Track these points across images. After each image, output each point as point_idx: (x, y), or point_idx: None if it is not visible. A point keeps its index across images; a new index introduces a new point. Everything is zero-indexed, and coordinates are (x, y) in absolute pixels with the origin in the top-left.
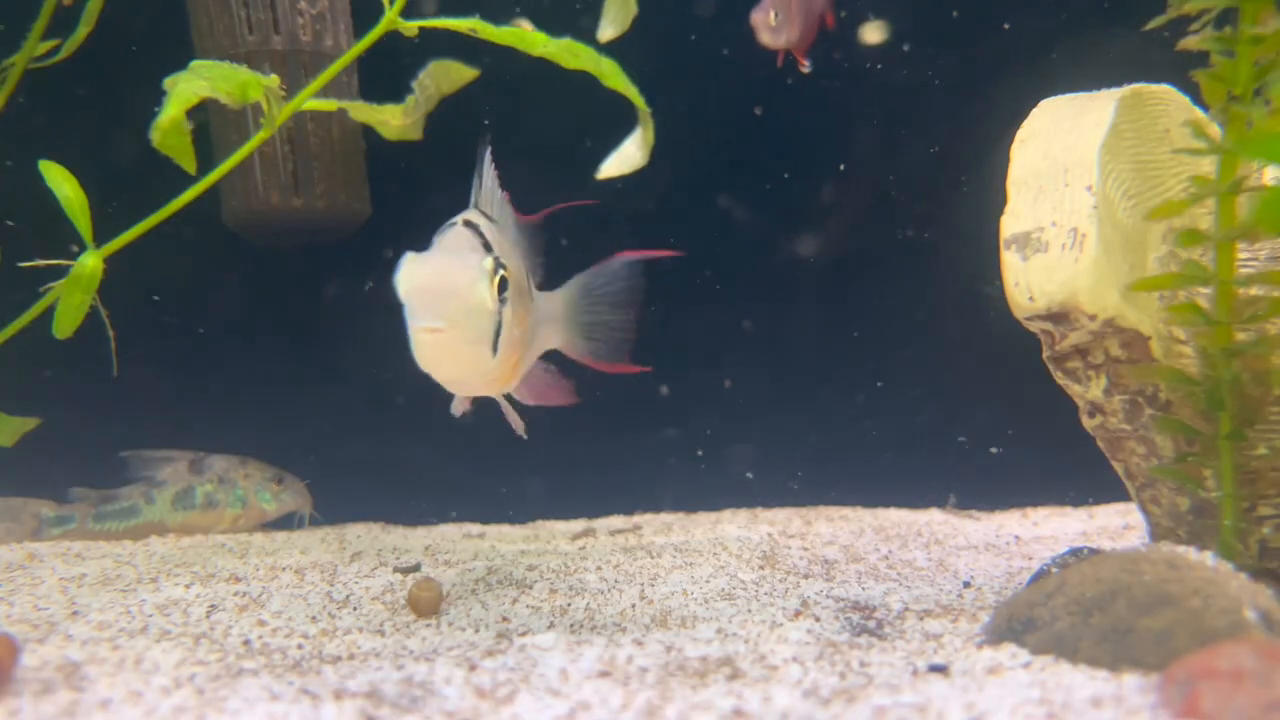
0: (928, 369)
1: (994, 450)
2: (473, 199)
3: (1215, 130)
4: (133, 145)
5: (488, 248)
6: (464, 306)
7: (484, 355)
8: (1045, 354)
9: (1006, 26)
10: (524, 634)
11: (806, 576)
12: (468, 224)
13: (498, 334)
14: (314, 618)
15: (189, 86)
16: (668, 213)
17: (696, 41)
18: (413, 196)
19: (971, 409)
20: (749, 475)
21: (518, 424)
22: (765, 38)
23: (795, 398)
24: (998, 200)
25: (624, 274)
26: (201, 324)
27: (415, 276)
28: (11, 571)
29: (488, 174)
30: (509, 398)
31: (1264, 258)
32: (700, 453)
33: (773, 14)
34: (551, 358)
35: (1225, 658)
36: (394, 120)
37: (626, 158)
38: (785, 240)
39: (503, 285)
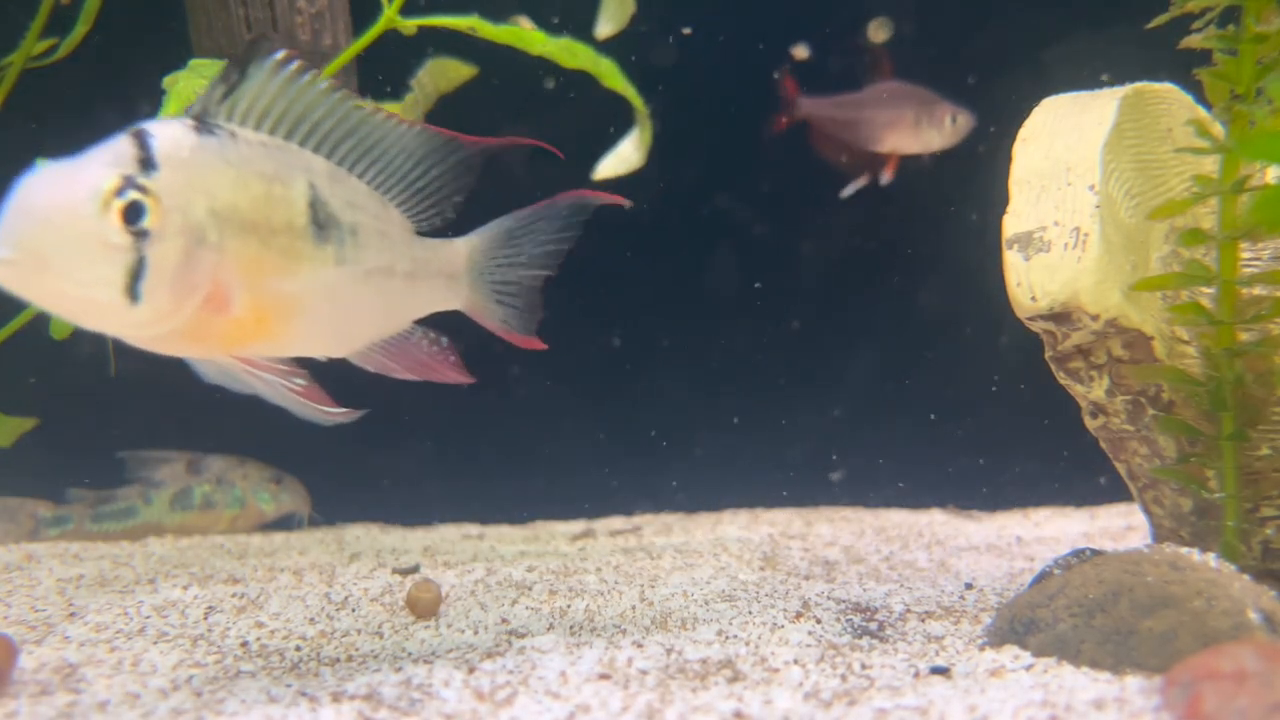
0: (929, 369)
1: (993, 450)
2: (200, 103)
3: (1218, 129)
4: None
5: (147, 164)
6: (48, 235)
7: (99, 301)
8: (1047, 354)
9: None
10: (523, 636)
11: (807, 578)
12: (138, 134)
13: (138, 276)
14: (312, 619)
15: (189, 85)
16: (668, 213)
17: (697, 41)
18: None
19: (973, 409)
20: (750, 476)
21: (316, 409)
22: (905, 139)
23: (796, 398)
24: (1000, 200)
25: (562, 221)
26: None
27: (16, 194)
28: (9, 572)
29: (264, 69)
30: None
31: (1267, 257)
32: (700, 453)
33: (949, 118)
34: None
35: (1228, 659)
36: None
37: (623, 158)
38: (786, 240)
39: (133, 212)
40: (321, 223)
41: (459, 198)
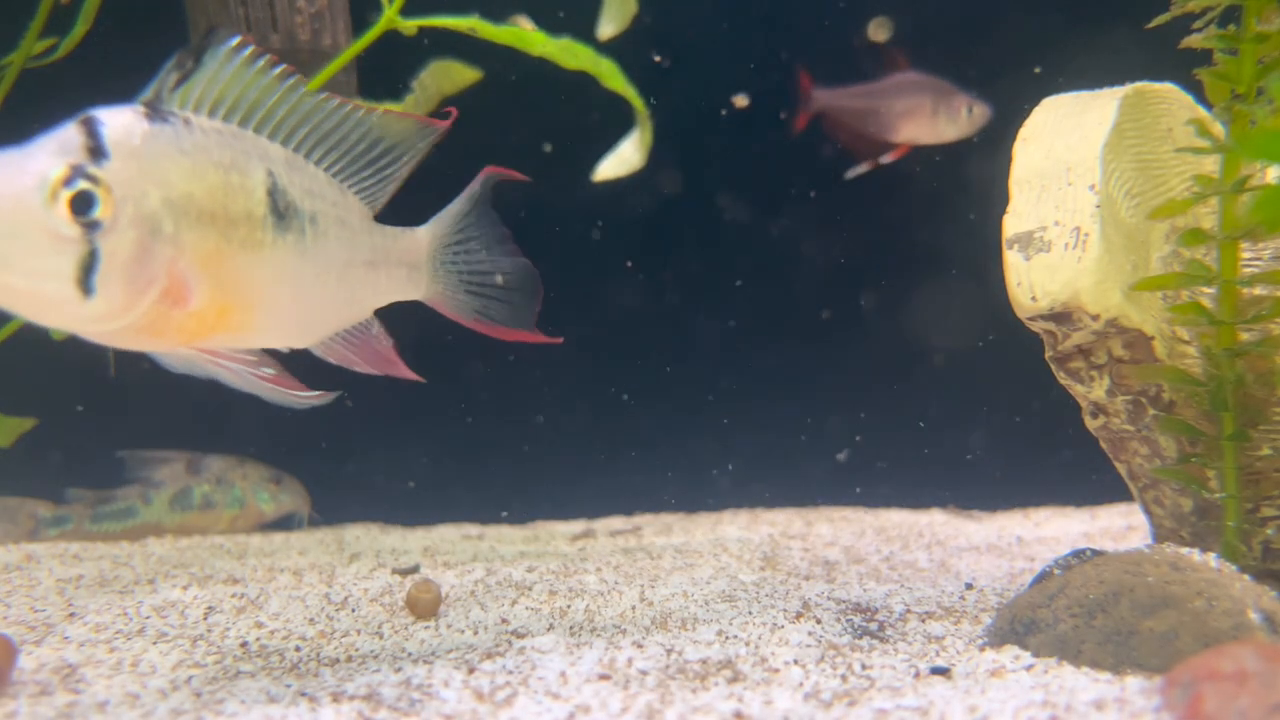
0: (929, 369)
1: (994, 450)
2: (152, 89)
3: (1219, 129)
4: None
5: (97, 153)
6: None
7: (50, 296)
8: (1048, 354)
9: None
10: (523, 636)
11: (807, 578)
12: (87, 121)
13: (91, 269)
14: (312, 620)
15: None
16: (670, 213)
17: (696, 43)
18: (412, 195)
19: (974, 409)
20: (750, 476)
21: (288, 393)
22: (922, 129)
23: (796, 398)
24: (1000, 199)
25: (486, 203)
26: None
27: None
28: (8, 573)
29: (218, 56)
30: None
31: (1268, 257)
32: (700, 453)
33: (965, 109)
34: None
35: (1229, 660)
36: None
37: (624, 159)
38: (786, 240)
39: (82, 202)
40: (281, 211)
41: (397, 185)
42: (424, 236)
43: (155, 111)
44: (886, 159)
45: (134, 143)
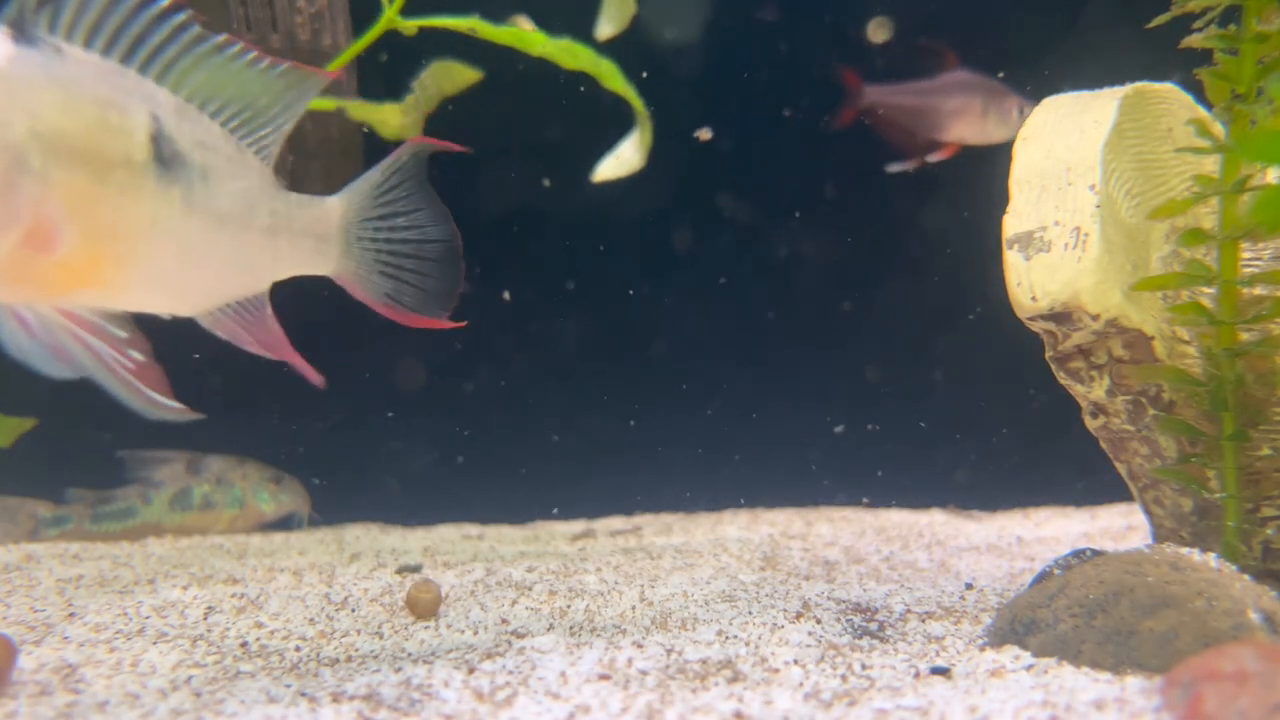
0: (930, 369)
1: (994, 451)
2: (14, 8)
3: (1219, 129)
4: None
5: None
6: None
7: None
8: (1048, 354)
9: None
10: (523, 636)
11: (808, 578)
12: None
13: None
14: (312, 620)
15: None
16: (667, 212)
17: (697, 43)
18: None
19: (974, 409)
20: (750, 476)
21: (147, 396)
22: (972, 129)
23: (797, 398)
24: (1000, 199)
25: (417, 177)
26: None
27: None
28: (8, 573)
29: None
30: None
31: (1268, 257)
32: (700, 453)
33: (1016, 110)
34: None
35: (1229, 660)
36: (392, 119)
37: (623, 160)
38: (787, 240)
39: None
40: (166, 160)
41: (280, 141)
42: (335, 207)
43: (21, 34)
44: (934, 158)
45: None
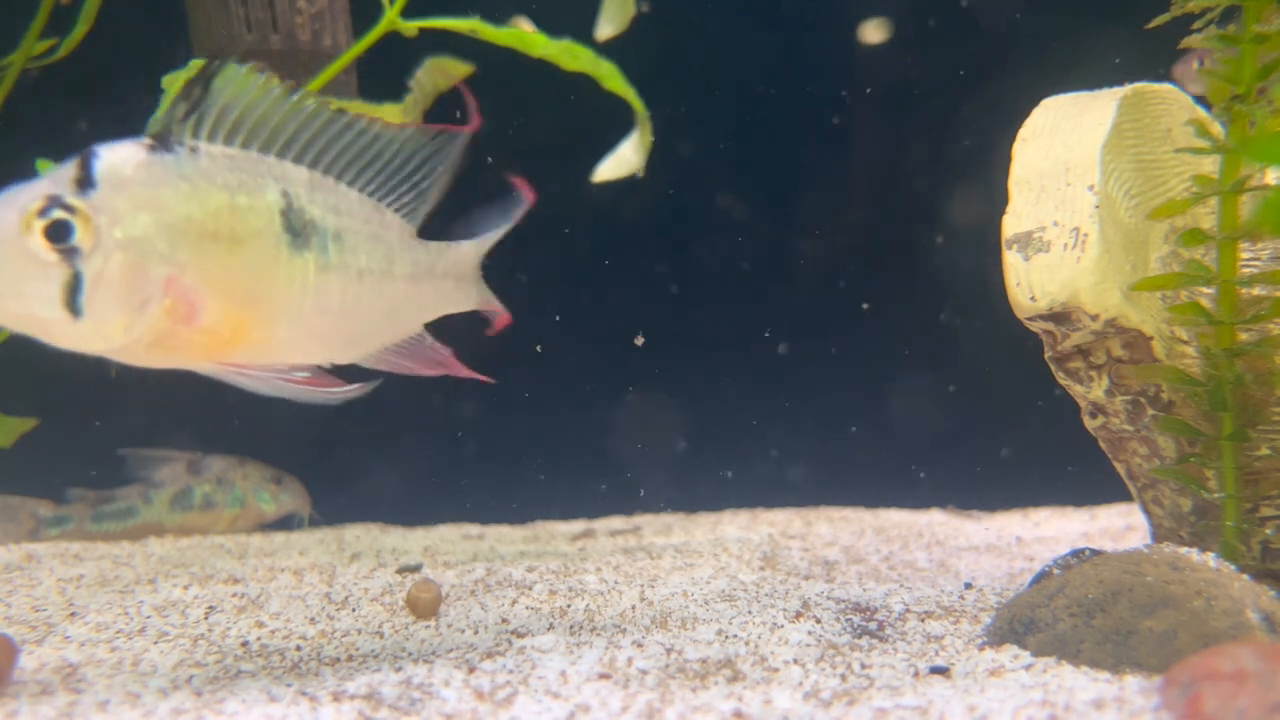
0: (930, 369)
1: (993, 451)
2: (162, 120)
3: (1218, 129)
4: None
5: (84, 184)
6: None
7: (41, 316)
8: (1047, 354)
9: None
10: (523, 635)
11: (807, 578)
12: (84, 155)
13: (76, 291)
14: (312, 619)
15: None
16: (667, 213)
17: (696, 43)
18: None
19: (973, 409)
20: (750, 476)
21: (323, 392)
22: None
23: (796, 398)
24: (1000, 200)
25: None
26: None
27: None
28: (9, 572)
29: (229, 84)
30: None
31: (1266, 257)
32: (700, 453)
33: (1196, 63)
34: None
35: (1228, 659)
36: (393, 119)
37: (622, 161)
38: (787, 241)
39: (58, 231)
40: (297, 230)
41: (435, 195)
42: (470, 249)
43: (161, 142)
44: None
45: (125, 172)
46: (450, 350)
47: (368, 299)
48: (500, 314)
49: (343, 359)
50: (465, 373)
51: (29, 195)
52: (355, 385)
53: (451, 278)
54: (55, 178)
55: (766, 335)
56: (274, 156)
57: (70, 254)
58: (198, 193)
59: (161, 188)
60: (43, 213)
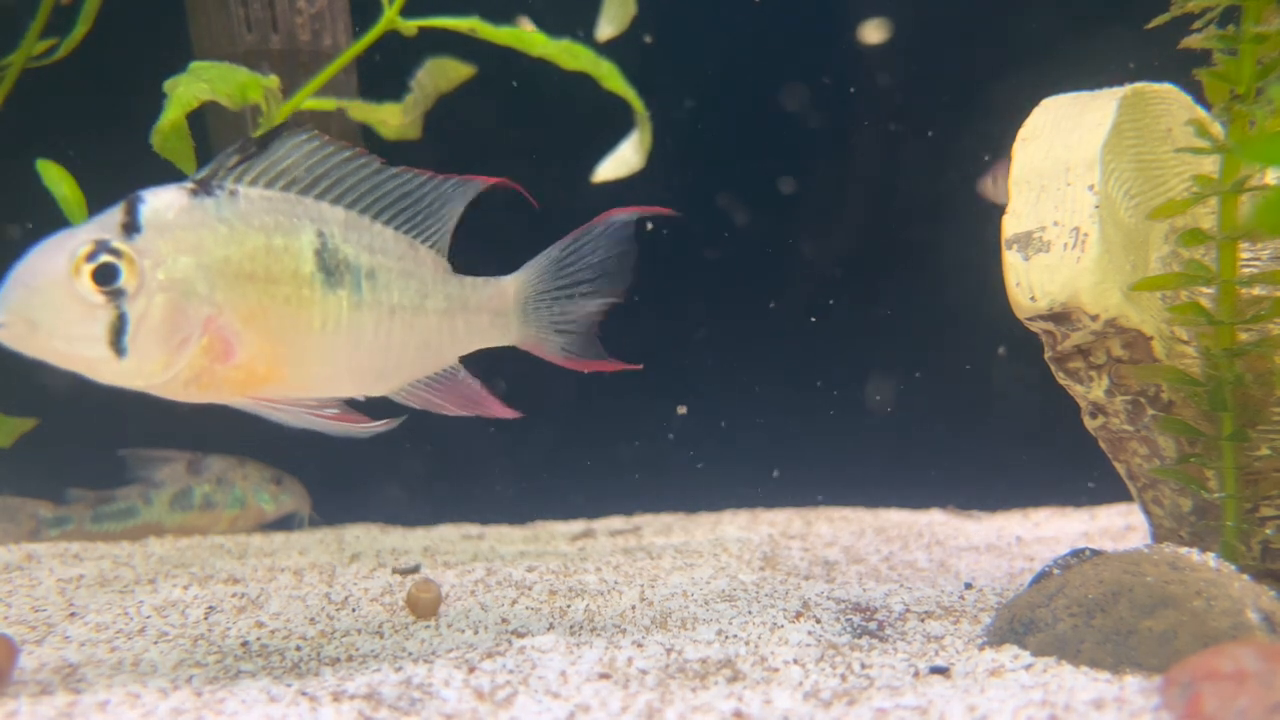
0: (930, 370)
1: (993, 450)
2: (210, 168)
3: (1218, 129)
4: (131, 144)
5: (130, 228)
6: (33, 299)
7: (87, 356)
8: (1047, 354)
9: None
10: (523, 635)
11: (807, 578)
12: (130, 200)
13: (121, 331)
14: (312, 619)
15: (189, 90)
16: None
17: (694, 42)
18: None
19: (973, 409)
20: (750, 476)
21: (353, 426)
22: (999, 201)
23: (797, 398)
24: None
25: (614, 241)
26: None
27: (18, 263)
28: (9, 572)
29: (285, 145)
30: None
31: (1266, 257)
32: (701, 453)
33: (991, 181)
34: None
35: (1228, 659)
36: (392, 119)
37: (623, 161)
38: (788, 241)
39: (106, 274)
40: (330, 269)
41: (448, 235)
42: (509, 285)
43: (203, 186)
44: None
45: (168, 216)
46: (487, 390)
47: (400, 334)
48: (543, 357)
49: (374, 392)
50: (499, 412)
51: (78, 240)
52: (382, 421)
53: (487, 312)
54: (103, 222)
55: (767, 335)
56: (311, 199)
57: (116, 296)
58: (235, 235)
59: (202, 231)
60: (91, 257)
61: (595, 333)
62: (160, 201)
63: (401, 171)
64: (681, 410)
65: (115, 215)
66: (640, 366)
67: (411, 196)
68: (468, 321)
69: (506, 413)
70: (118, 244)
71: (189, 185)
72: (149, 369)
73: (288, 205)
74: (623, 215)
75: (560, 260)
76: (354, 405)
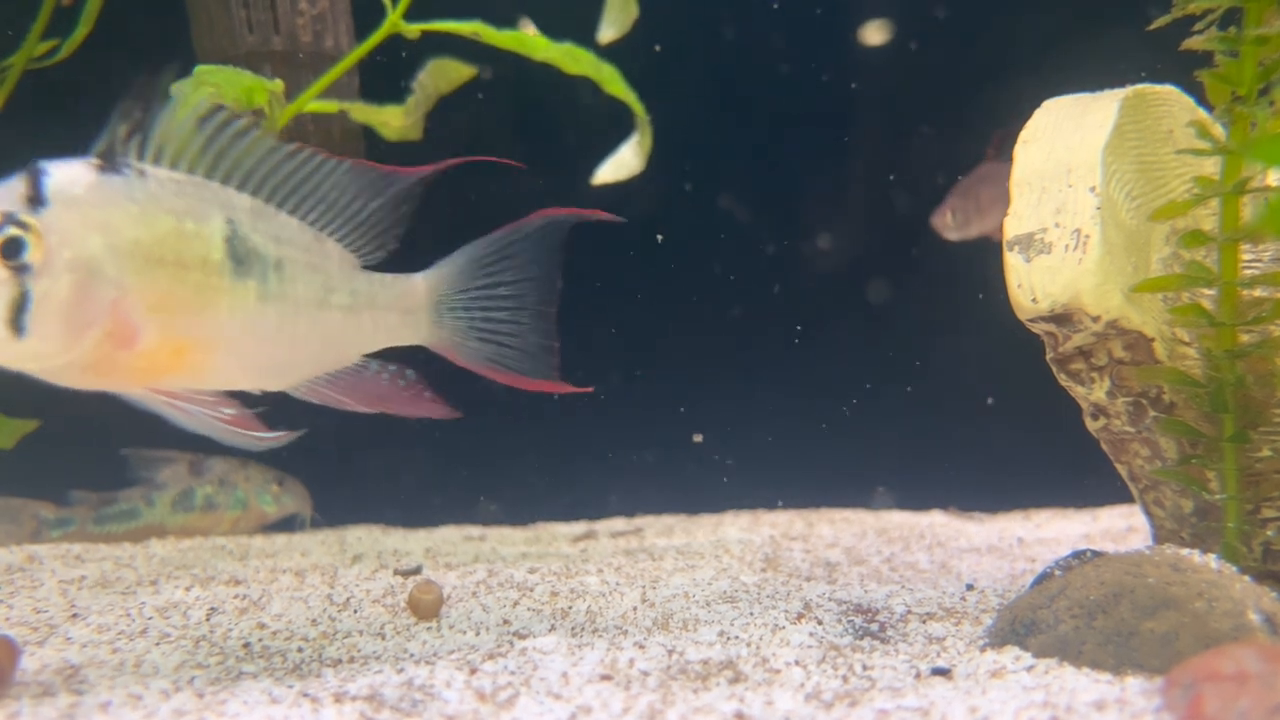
0: (930, 370)
1: (995, 452)
2: (104, 140)
3: (1219, 131)
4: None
5: (35, 201)
6: None
7: None
8: (1049, 356)
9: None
10: (525, 637)
11: (809, 579)
12: (32, 171)
13: (22, 309)
14: (314, 620)
15: (196, 95)
16: (666, 214)
17: (694, 42)
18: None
19: (974, 411)
20: (752, 477)
21: (246, 435)
22: (951, 236)
23: (796, 399)
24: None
25: (537, 245)
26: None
27: None
28: (11, 574)
29: (170, 108)
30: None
31: (1268, 259)
32: (702, 454)
33: (949, 215)
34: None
35: (1229, 661)
36: (394, 121)
37: (623, 163)
38: (788, 243)
39: (11, 248)
40: (240, 258)
41: (399, 229)
42: (420, 283)
43: (110, 163)
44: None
45: (75, 191)
46: (410, 381)
47: (303, 329)
48: (459, 362)
49: (272, 387)
50: (410, 411)
51: None
52: (280, 433)
53: (396, 310)
54: (2, 192)
55: (767, 336)
56: (218, 183)
57: (21, 271)
58: (146, 216)
59: (111, 209)
60: None
61: (544, 347)
62: (66, 176)
63: (309, 156)
64: (698, 438)
65: (16, 186)
66: (590, 389)
67: (317, 184)
68: (375, 319)
69: (437, 411)
70: (24, 217)
71: (94, 161)
72: (47, 351)
73: (197, 189)
74: (557, 216)
75: (480, 260)
76: (251, 405)
